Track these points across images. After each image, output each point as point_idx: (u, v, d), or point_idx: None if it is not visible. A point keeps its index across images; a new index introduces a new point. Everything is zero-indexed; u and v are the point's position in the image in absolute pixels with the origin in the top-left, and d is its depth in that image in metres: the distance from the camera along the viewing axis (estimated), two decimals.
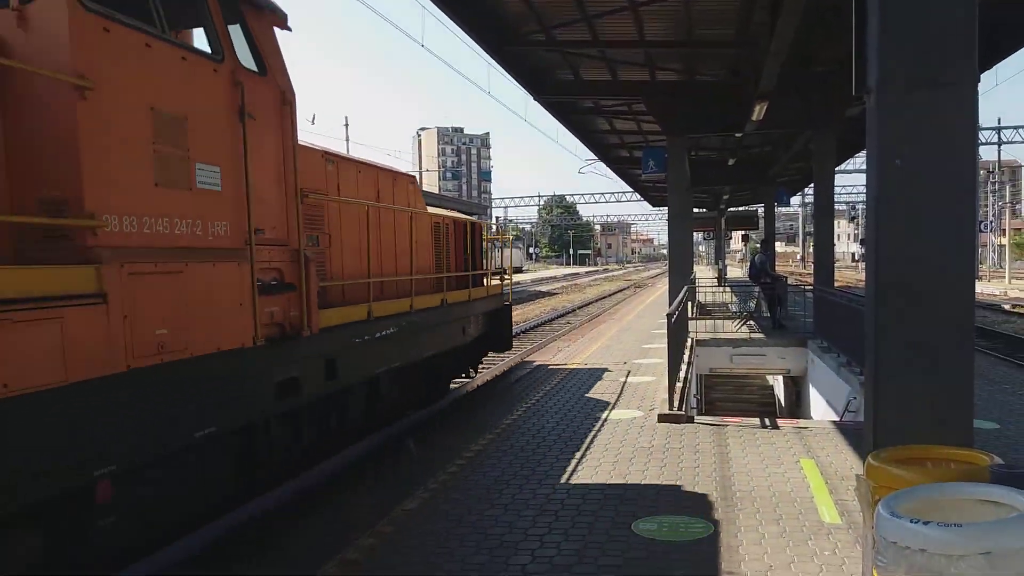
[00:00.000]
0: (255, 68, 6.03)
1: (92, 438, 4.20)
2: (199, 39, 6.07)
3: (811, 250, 73.61)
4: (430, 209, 10.97)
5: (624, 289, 47.40)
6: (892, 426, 4.26)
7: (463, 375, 12.56)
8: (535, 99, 17.05)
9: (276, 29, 6.43)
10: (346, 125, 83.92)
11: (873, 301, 4.36)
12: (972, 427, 4.30)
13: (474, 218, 13.65)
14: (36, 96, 4.32)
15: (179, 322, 4.92)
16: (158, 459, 4.85)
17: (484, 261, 13.15)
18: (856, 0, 4.41)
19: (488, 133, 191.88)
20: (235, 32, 5.86)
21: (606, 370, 13.30)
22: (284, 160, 6.31)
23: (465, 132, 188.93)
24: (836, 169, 21.28)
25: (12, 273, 3.89)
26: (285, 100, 6.33)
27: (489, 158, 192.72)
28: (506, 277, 13.77)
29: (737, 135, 19.08)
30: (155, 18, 4.98)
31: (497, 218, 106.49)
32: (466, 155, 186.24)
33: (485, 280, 12.99)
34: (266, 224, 6.00)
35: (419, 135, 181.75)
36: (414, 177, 10.72)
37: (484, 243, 13.45)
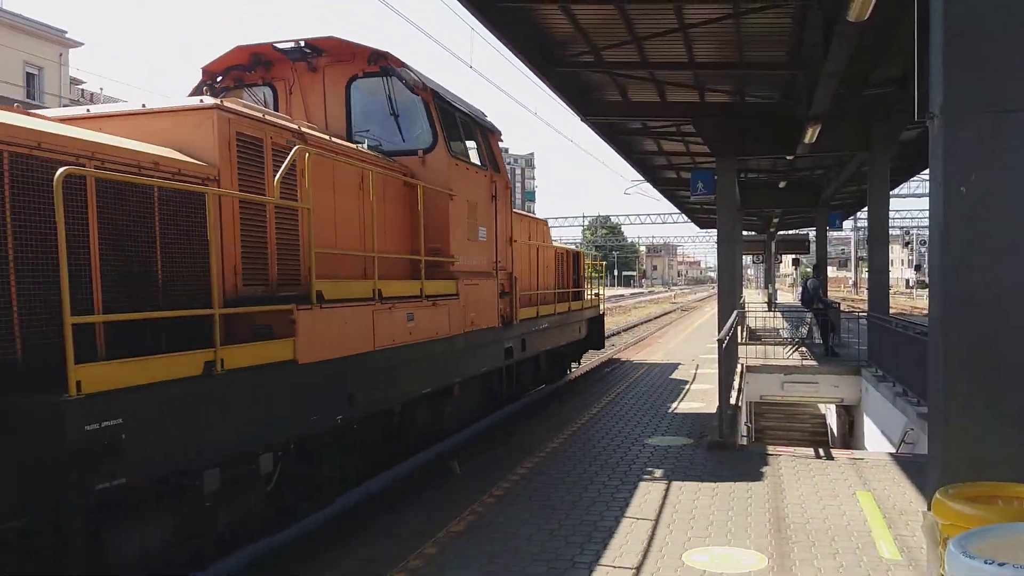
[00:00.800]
0: (495, 169, 10.36)
1: (455, 363, 8.60)
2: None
3: (863, 275, 72.16)
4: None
5: (670, 312, 46.85)
6: (958, 461, 4.10)
7: (569, 366, 16.39)
8: (582, 120, 17.05)
9: (499, 142, 10.93)
10: None
11: (938, 331, 4.21)
12: None
13: (581, 250, 18.41)
14: (432, 201, 8.28)
15: (476, 309, 9.21)
16: (469, 379, 9.25)
17: (585, 282, 17.36)
18: (919, 24, 4.30)
19: (532, 154, 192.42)
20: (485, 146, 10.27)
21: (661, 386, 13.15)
22: (504, 221, 10.54)
23: (510, 152, 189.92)
24: (891, 193, 20.85)
25: (431, 284, 8.05)
26: (505, 186, 10.72)
27: (534, 178, 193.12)
28: (599, 294, 18.07)
29: (788, 157, 18.86)
30: (464, 151, 9.43)
31: None
32: (511, 175, 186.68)
33: (587, 295, 17.17)
34: (500, 258, 10.23)
35: None
36: (546, 221, 15.63)
37: (585, 268, 17.60)
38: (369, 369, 6.68)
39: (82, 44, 42.28)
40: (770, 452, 8.96)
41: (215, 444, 4.76)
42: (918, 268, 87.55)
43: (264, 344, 5.33)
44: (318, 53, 8.60)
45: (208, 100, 5.64)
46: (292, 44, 8.45)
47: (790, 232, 47.14)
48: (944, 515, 3.20)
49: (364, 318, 6.66)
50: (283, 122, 6.40)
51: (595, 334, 16.86)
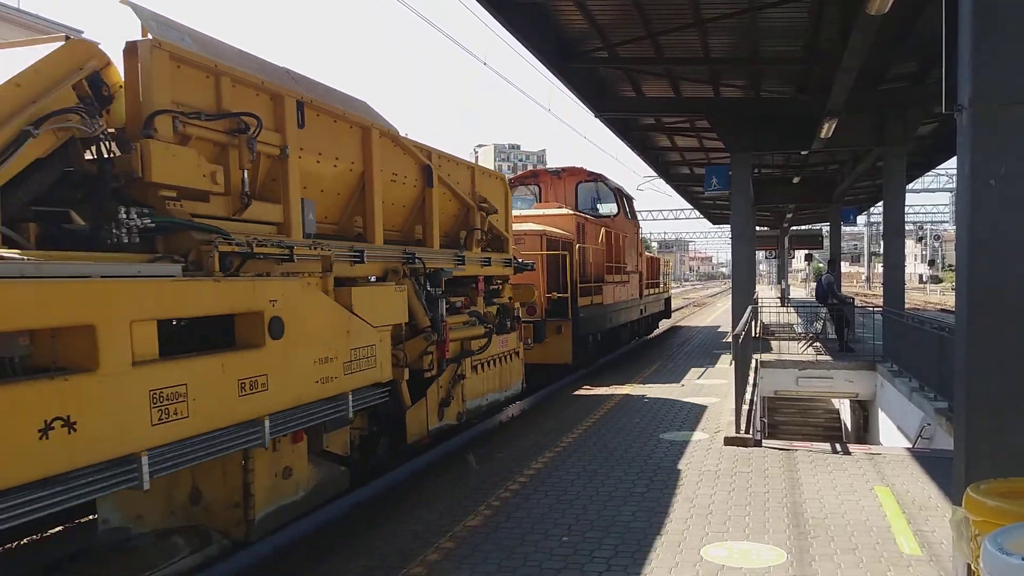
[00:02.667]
0: (634, 219, 20.44)
1: (632, 311, 19.87)
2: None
3: (876, 270, 71.78)
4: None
5: (682, 307, 46.70)
6: (985, 457, 4.07)
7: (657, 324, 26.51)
8: (596, 116, 17.02)
9: (633, 200, 20.80)
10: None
11: (965, 326, 4.18)
12: None
13: (660, 256, 30.72)
14: (618, 239, 18.28)
15: (634, 289, 19.76)
16: (631, 322, 20.18)
17: (662, 275, 27.35)
18: (947, 15, 4.26)
19: (544, 150, 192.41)
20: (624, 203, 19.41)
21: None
22: (636, 246, 20.83)
23: (522, 149, 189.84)
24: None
25: (621, 275, 18.79)
26: (637, 226, 21.05)
27: None
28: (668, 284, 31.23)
29: (803, 152, 18.76)
30: (626, 212, 19.65)
31: None
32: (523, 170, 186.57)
33: (663, 284, 27.45)
34: (638, 265, 20.71)
35: (476, 151, 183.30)
36: (644, 241, 27.30)
37: (663, 267, 28.35)
38: (615, 310, 17.44)
39: (82, 32, 42.49)
40: (786, 447, 8.92)
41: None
42: (932, 263, 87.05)
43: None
44: (563, 171, 17.79)
45: (567, 209, 15.62)
46: (555, 168, 18.09)
47: (803, 227, 46.92)
48: (976, 511, 3.17)
49: (614, 288, 17.36)
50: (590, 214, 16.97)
51: (667, 308, 27.84)
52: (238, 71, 5.26)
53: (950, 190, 61.00)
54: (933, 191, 62.83)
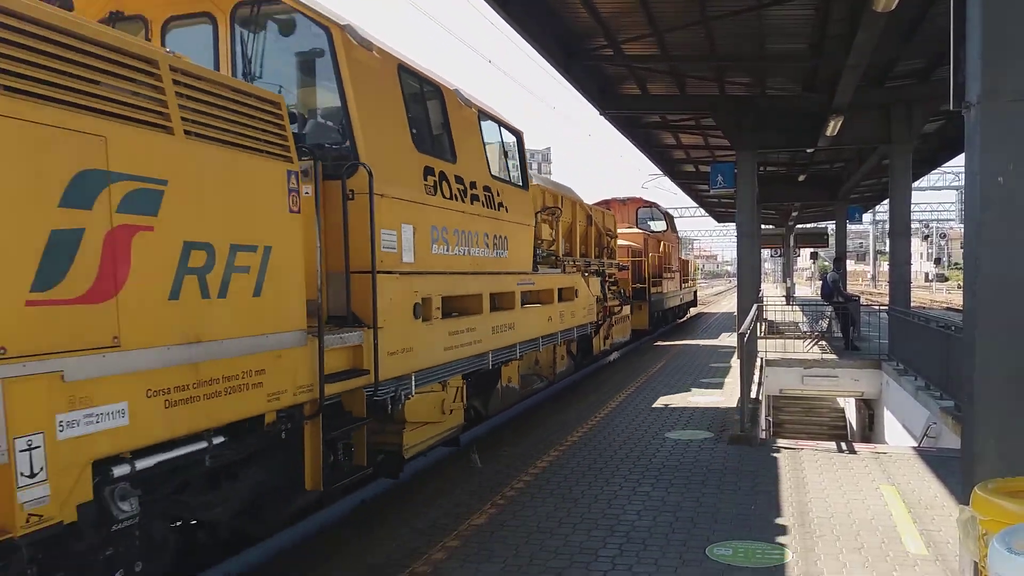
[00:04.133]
0: (676, 233, 31.14)
1: (677, 298, 28.69)
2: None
3: (882, 269, 71.35)
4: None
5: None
6: (992, 456, 4.05)
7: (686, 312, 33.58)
8: (601, 114, 16.98)
9: (674, 219, 30.66)
10: None
11: (973, 324, 4.16)
12: None
13: (690, 259, 39.41)
14: (669, 251, 26.33)
15: (680, 282, 29.62)
16: (678, 305, 30.07)
17: (692, 274, 37.85)
18: (955, 11, 4.23)
19: (549, 148, 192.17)
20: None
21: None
22: (677, 253, 29.72)
23: (527, 147, 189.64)
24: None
25: (673, 275, 28.44)
26: (678, 238, 31.51)
27: (550, 173, 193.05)
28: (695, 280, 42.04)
29: (809, 150, 18.71)
30: (673, 228, 29.75)
31: None
32: (528, 169, 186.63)
33: (692, 280, 36.33)
34: (679, 270, 29.63)
35: None
36: (679, 239, 34.12)
37: (693, 268, 39.08)
38: (668, 296, 25.70)
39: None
40: (792, 446, 8.90)
41: None
42: (937, 261, 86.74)
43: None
44: (628, 200, 25.17)
45: (636, 229, 23.19)
46: (623, 198, 25.11)
47: (808, 226, 46.79)
48: (984, 510, 3.15)
49: (666, 282, 25.16)
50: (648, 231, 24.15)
51: (695, 299, 36.80)
52: (552, 190, 12.69)
53: (956, 188, 60.75)
54: (939, 189, 62.57)
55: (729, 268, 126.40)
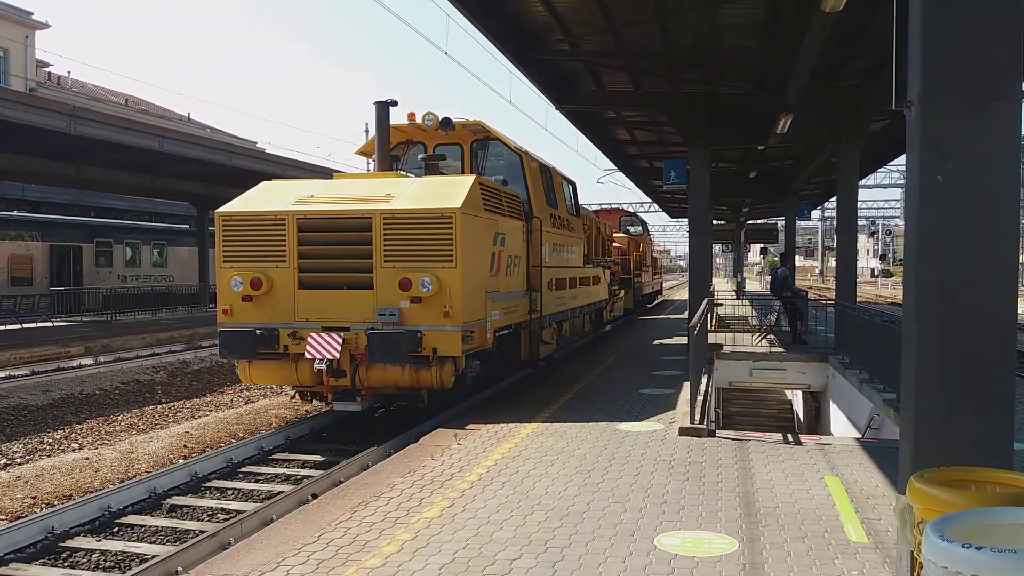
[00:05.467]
0: (650, 238, 38.74)
1: (643, 291, 33.52)
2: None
3: (830, 264, 72.79)
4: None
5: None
6: (930, 447, 4.17)
7: (652, 301, 41.59)
8: (557, 108, 17.02)
9: (648, 225, 37.59)
10: (365, 132, 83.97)
11: (912, 319, 4.27)
12: (1012, 449, 4.20)
13: (659, 258, 51.18)
14: (648, 254, 36.17)
15: (651, 278, 39.03)
16: (645, 295, 35.44)
17: (660, 269, 50.74)
18: (898, 12, 4.33)
19: None
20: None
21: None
22: (650, 255, 37.57)
23: None
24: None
25: (648, 273, 37.08)
26: (652, 241, 40.43)
27: None
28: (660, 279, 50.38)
29: (760, 148, 19.01)
30: (647, 231, 38.29)
31: None
32: None
33: (660, 274, 49.29)
34: (651, 265, 38.32)
35: None
36: (651, 240, 41.53)
37: (660, 264, 50.91)
38: (645, 285, 33.99)
39: (49, 26, 41.27)
40: (740, 437, 9.06)
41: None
42: (883, 257, 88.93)
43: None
44: (615, 210, 38.65)
45: (622, 233, 29.83)
46: (610, 208, 39.86)
47: (759, 221, 47.57)
48: (919, 499, 3.25)
49: (644, 275, 33.12)
50: (629, 235, 31.43)
51: (661, 288, 45.80)
52: (585, 214, 19.49)
53: (902, 186, 62.29)
54: (885, 187, 64.17)
55: (682, 263, 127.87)
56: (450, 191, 10.12)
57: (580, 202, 18.31)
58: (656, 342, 20.18)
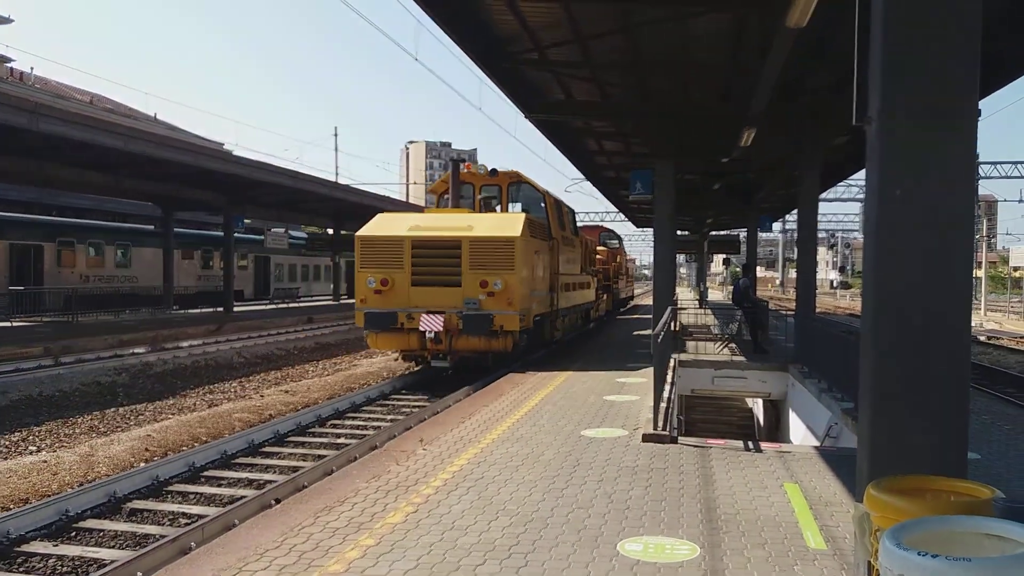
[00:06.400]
0: (623, 248, 43.62)
1: (616, 298, 37.80)
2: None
3: (790, 275, 73.78)
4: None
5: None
6: (886, 456, 4.28)
7: (625, 305, 46.29)
8: (526, 117, 17.10)
9: (623, 239, 45.12)
10: (335, 135, 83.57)
11: (869, 330, 4.39)
12: (966, 458, 4.33)
13: (630, 267, 57.65)
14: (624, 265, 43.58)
15: (626, 284, 47.08)
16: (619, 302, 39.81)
17: (632, 277, 58.15)
18: (859, 30, 4.45)
19: (476, 149, 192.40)
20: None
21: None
22: (624, 266, 44.06)
23: (453, 147, 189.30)
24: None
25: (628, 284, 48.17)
26: (625, 252, 45.30)
27: None
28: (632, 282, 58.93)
29: (723, 160, 19.27)
30: (621, 244, 44.60)
31: None
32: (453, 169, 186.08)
33: (632, 281, 56.51)
34: (625, 274, 45.44)
35: (407, 148, 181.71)
36: (625, 251, 46.56)
37: (632, 271, 59.51)
38: (620, 291, 40.96)
39: (11, 21, 40.44)
40: (701, 444, 9.16)
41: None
42: (842, 269, 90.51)
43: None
44: (597, 228, 41.43)
45: (603, 247, 36.20)
46: (593, 226, 41.31)
47: (722, 232, 48.17)
48: (876, 507, 3.33)
49: (620, 282, 40.22)
50: (609, 248, 38.31)
51: (632, 297, 51.86)
52: (581, 238, 25.75)
53: (861, 200, 63.48)
54: (845, 200, 65.18)
55: (647, 272, 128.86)
56: (510, 224, 15.86)
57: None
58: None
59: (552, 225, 19.05)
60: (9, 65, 43.14)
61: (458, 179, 17.98)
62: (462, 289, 15.31)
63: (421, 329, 15.09)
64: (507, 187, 19.28)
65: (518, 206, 19.36)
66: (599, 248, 32.64)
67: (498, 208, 18.95)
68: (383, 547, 5.64)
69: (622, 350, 20.09)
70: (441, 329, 15.06)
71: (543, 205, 19.17)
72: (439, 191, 19.66)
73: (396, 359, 18.92)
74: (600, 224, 40.51)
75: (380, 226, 16.27)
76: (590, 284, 25.53)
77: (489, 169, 18.72)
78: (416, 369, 17.80)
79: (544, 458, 8.33)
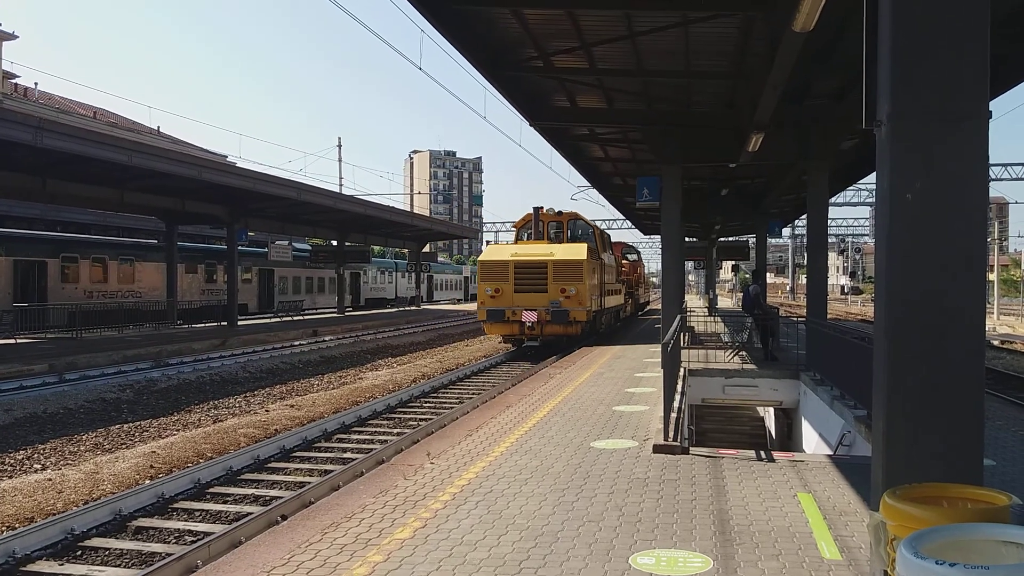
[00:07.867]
0: (640, 260, 53.50)
1: (635, 301, 46.18)
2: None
3: (800, 281, 73.66)
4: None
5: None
6: (901, 464, 4.18)
7: (642, 309, 53.15)
8: (530, 125, 17.09)
9: (640, 253, 56.99)
10: (339, 146, 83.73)
11: (883, 337, 4.30)
12: (982, 465, 4.23)
13: (650, 278, 78.13)
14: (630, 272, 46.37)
15: (643, 291, 57.24)
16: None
17: (648, 285, 68.43)
18: (867, 33, 4.38)
19: (480, 158, 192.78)
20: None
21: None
22: (642, 275, 56.03)
23: (457, 156, 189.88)
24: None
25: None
26: (642, 264, 56.26)
27: (481, 182, 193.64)
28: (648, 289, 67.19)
29: (731, 166, 19.19)
30: (639, 256, 54.76)
31: (488, 242, 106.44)
32: (458, 179, 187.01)
33: (647, 289, 63.65)
34: (642, 283, 54.44)
35: (411, 158, 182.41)
36: (643, 264, 58.85)
37: (646, 279, 66.38)
38: (640, 298, 49.86)
39: (16, 37, 40.78)
40: (713, 454, 9.05)
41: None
42: (852, 275, 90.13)
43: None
44: (619, 244, 42.57)
45: (625, 261, 42.14)
46: (616, 243, 39.93)
47: (730, 239, 48.01)
48: (892, 516, 3.25)
49: (639, 290, 48.15)
50: (628, 261, 44.80)
51: (648, 302, 59.27)
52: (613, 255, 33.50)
53: (870, 204, 63.29)
54: (855, 205, 65.10)
55: (655, 280, 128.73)
56: (578, 250, 24.16)
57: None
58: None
59: (599, 249, 27.21)
60: (14, 81, 43.50)
61: (540, 219, 26.69)
62: (548, 294, 23.34)
63: (523, 320, 23.30)
64: (567, 222, 27.24)
65: (576, 234, 27.35)
66: (623, 261, 38.94)
67: (562, 237, 26.91)
68: (391, 563, 5.56)
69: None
70: (536, 320, 23.22)
71: (591, 233, 27.44)
72: (519, 225, 28.64)
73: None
74: (621, 242, 43.97)
75: (491, 254, 25.18)
76: (620, 291, 34.06)
77: (556, 211, 27.31)
78: (512, 349, 25.60)
79: (554, 470, 8.24)
